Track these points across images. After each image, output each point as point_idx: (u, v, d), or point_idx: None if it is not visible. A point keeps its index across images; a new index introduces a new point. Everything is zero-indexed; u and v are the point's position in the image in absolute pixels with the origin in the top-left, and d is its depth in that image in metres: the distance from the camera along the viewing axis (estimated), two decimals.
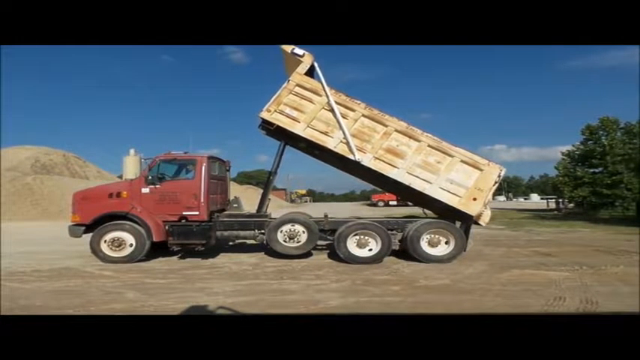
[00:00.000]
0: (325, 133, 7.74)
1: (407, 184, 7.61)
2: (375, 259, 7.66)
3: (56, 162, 33.40)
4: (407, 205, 34.38)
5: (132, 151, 28.70)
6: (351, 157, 7.63)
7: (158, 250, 8.40)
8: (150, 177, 7.98)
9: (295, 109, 7.78)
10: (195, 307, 4.80)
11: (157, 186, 8.00)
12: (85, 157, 38.71)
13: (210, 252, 8.87)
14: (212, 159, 8.57)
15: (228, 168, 9.76)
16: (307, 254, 8.26)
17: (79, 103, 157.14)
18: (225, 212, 8.76)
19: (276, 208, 13.74)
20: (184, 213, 8.03)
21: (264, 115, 7.77)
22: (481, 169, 7.56)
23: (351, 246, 7.74)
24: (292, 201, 63.35)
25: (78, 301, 5.13)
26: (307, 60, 7.88)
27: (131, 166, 25.42)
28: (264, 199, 8.82)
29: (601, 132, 24.56)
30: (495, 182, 7.58)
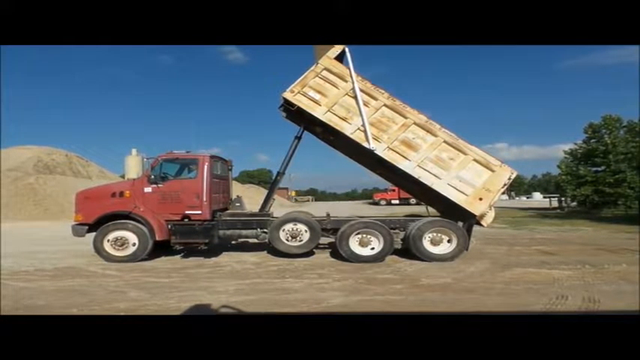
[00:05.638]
0: (344, 119, 7.74)
1: (416, 177, 7.60)
2: (378, 258, 7.66)
3: (58, 162, 33.44)
4: (409, 204, 34.47)
5: (134, 151, 28.82)
6: (365, 145, 7.62)
7: (161, 249, 8.43)
8: (152, 176, 8.01)
9: (319, 92, 7.78)
10: (199, 306, 4.83)
11: (160, 185, 8.04)
12: (87, 157, 38.83)
13: (212, 251, 8.89)
14: (214, 158, 8.59)
15: (230, 167, 9.79)
16: (309, 253, 8.27)
17: (81, 103, 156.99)
18: (228, 211, 8.78)
19: (278, 207, 13.76)
20: (187, 212, 8.06)
21: (287, 95, 7.76)
22: (492, 170, 7.55)
23: (354, 245, 7.74)
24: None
25: (81, 300, 5.16)
26: (339, 45, 7.84)
27: (133, 165, 25.52)
28: (268, 198, 8.83)
29: (603, 130, 24.39)
30: (505, 184, 7.59)
